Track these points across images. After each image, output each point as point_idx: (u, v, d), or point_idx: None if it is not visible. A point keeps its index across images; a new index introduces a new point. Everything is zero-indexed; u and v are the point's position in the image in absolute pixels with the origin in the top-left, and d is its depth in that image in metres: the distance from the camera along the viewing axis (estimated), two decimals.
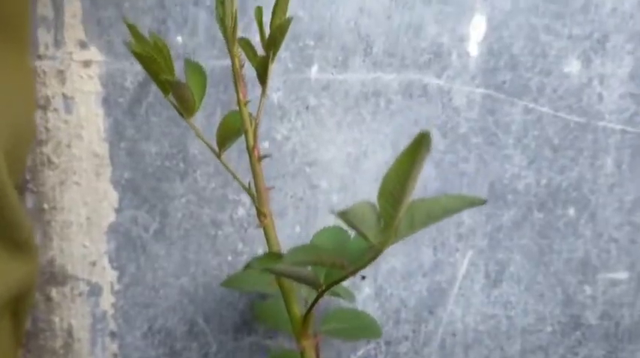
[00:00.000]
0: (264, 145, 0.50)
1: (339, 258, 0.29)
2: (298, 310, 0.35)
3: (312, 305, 0.34)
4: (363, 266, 0.30)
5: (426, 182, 0.50)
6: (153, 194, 0.51)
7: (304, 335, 0.35)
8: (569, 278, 0.51)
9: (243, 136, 0.37)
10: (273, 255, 0.33)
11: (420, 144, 0.26)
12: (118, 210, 0.52)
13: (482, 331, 0.51)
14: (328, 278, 0.33)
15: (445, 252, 0.50)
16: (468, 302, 0.51)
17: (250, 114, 0.36)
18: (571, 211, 0.50)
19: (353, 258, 0.30)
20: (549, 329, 0.51)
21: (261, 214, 0.35)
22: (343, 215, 0.26)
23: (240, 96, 0.35)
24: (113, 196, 0.51)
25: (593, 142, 0.49)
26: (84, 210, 0.52)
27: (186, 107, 0.34)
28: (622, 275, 0.51)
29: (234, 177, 0.37)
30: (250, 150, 0.35)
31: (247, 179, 0.38)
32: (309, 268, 0.33)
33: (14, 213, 0.39)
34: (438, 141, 0.50)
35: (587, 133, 0.49)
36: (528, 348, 0.51)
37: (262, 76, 0.36)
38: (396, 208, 0.28)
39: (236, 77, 0.35)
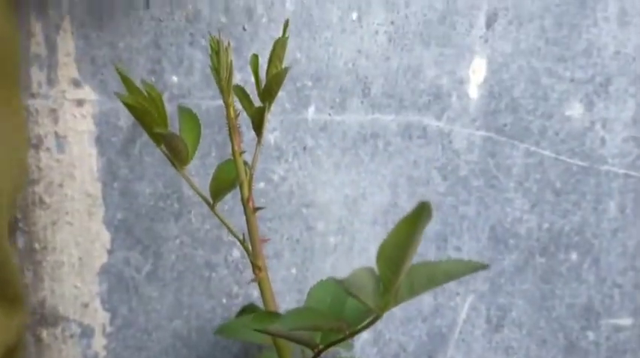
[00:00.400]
0: (260, 186, 0.50)
1: (336, 323, 0.29)
2: None
3: None
4: (362, 330, 0.30)
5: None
6: (146, 235, 0.51)
7: None
8: (572, 324, 0.50)
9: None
10: (269, 315, 0.33)
11: (421, 214, 0.26)
12: (111, 251, 0.51)
13: None
14: (325, 339, 0.33)
15: (445, 296, 0.50)
16: (468, 347, 0.51)
17: (246, 164, 0.36)
18: (574, 256, 0.50)
19: (351, 322, 0.30)
20: None
21: (256, 267, 0.35)
22: (342, 284, 0.25)
23: (235, 147, 0.35)
24: (106, 237, 0.51)
25: (595, 186, 0.49)
26: (76, 250, 0.51)
27: (179, 158, 0.35)
28: (626, 321, 0.51)
29: (229, 229, 0.37)
30: (245, 202, 0.35)
31: (242, 223, 0.38)
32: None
33: (7, 268, 0.39)
34: (438, 184, 0.50)
35: (589, 177, 0.49)
36: None
37: (258, 126, 0.36)
38: (395, 273, 0.28)
39: (231, 127, 0.35)
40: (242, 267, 0.51)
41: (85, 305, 0.52)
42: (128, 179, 0.50)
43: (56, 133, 0.50)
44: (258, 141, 0.36)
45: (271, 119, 0.49)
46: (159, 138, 0.34)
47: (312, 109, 0.48)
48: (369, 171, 0.49)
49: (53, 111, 0.49)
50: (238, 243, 0.52)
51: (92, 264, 0.51)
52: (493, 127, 0.48)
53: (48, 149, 0.50)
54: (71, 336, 0.52)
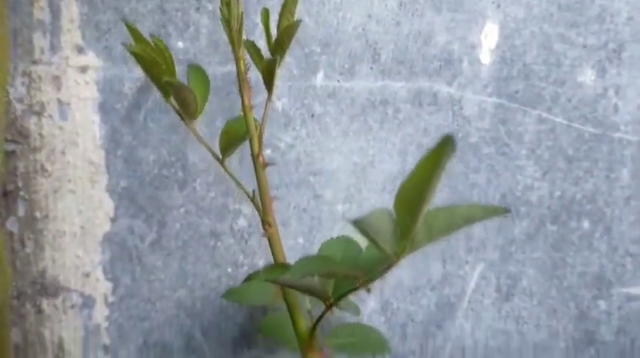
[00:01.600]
0: (267, 153, 0.52)
1: (352, 269, 0.31)
2: (304, 324, 0.37)
3: (320, 318, 0.36)
4: (377, 277, 0.33)
5: (436, 193, 0.52)
6: (150, 203, 0.53)
7: (311, 350, 0.37)
8: (584, 293, 0.53)
9: (246, 143, 0.39)
10: (280, 266, 0.36)
11: (444, 149, 0.27)
12: (114, 220, 0.54)
13: (493, 347, 0.54)
14: (337, 291, 0.36)
15: (455, 264, 0.53)
16: (478, 316, 0.53)
17: (255, 120, 0.38)
18: (585, 224, 0.52)
19: (366, 269, 0.32)
20: (562, 345, 0.54)
21: (265, 223, 0.38)
22: (358, 224, 0.28)
23: (246, 100, 0.37)
24: (109, 205, 0.54)
25: (608, 154, 0.52)
26: (78, 219, 0.54)
27: (188, 111, 0.37)
28: (638, 290, 0.53)
29: (238, 184, 0.39)
30: (255, 157, 0.38)
31: (249, 188, 0.40)
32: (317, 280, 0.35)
33: None
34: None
35: (602, 144, 0.52)
36: None
37: (268, 81, 0.38)
38: (413, 217, 0.30)
39: (241, 81, 0.37)
40: (247, 235, 0.53)
41: (87, 275, 0.54)
42: (132, 146, 0.52)
43: (59, 100, 0.52)
44: (269, 97, 0.39)
45: (279, 85, 0.51)
46: (167, 90, 0.37)
47: (320, 76, 0.51)
48: (378, 139, 0.52)
49: (56, 77, 0.52)
50: (244, 211, 0.54)
51: (94, 233, 0.54)
52: (504, 94, 0.50)
53: (50, 116, 0.52)
54: (72, 307, 0.55)
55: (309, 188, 0.54)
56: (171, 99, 0.38)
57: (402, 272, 0.54)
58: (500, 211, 0.32)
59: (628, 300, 0.55)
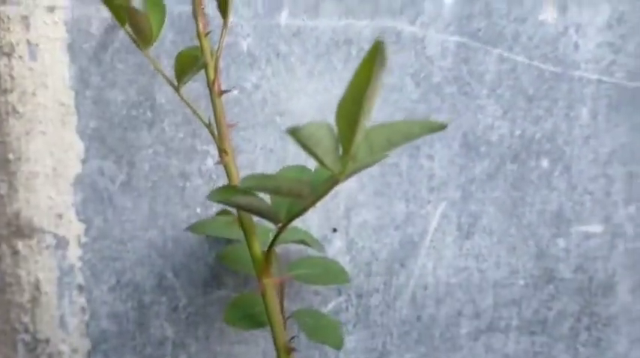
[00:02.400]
0: (233, 94, 0.53)
1: (297, 186, 0.32)
2: (259, 248, 0.38)
3: (274, 241, 0.37)
4: (323, 194, 0.33)
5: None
6: (119, 144, 0.54)
7: (265, 274, 0.38)
8: (543, 231, 0.54)
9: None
10: (231, 188, 0.36)
11: (376, 56, 0.28)
12: (85, 161, 0.55)
13: (454, 284, 0.55)
14: (289, 215, 0.36)
15: (417, 204, 0.54)
16: (439, 254, 0.54)
17: (211, 48, 0.38)
18: (545, 163, 0.53)
19: (311, 186, 0.32)
20: (522, 282, 0.55)
21: (222, 151, 0.38)
22: (295, 132, 0.28)
23: (200, 27, 0.37)
24: (79, 146, 0.54)
25: (568, 92, 0.52)
26: (50, 160, 0.54)
27: (142, 37, 0.37)
28: (596, 228, 0.54)
29: (194, 112, 0.40)
30: (210, 85, 0.38)
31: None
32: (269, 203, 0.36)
33: None
34: (411, 91, 0.53)
35: (562, 83, 0.52)
36: (501, 302, 0.55)
37: (223, 7, 0.38)
38: (353, 130, 0.30)
39: (195, 6, 0.37)
40: (216, 176, 0.54)
41: (60, 216, 0.55)
42: (100, 87, 0.53)
43: (28, 41, 0.52)
44: (225, 24, 0.39)
45: (244, 24, 0.51)
46: (121, 15, 0.37)
47: (285, 14, 0.51)
48: (342, 79, 0.52)
49: (25, 18, 0.52)
50: (212, 152, 0.55)
51: (66, 174, 0.55)
52: (467, 32, 0.51)
53: (20, 57, 0.52)
54: (46, 248, 0.56)
55: (276, 128, 0.54)
56: (127, 26, 0.39)
57: (367, 213, 0.55)
58: (437, 127, 0.33)
59: (586, 238, 0.56)
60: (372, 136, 0.33)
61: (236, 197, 0.35)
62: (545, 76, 0.53)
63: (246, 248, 0.42)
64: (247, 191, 0.36)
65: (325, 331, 0.44)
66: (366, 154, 0.33)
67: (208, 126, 0.40)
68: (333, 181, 0.34)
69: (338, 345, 0.42)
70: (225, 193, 0.36)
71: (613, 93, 0.54)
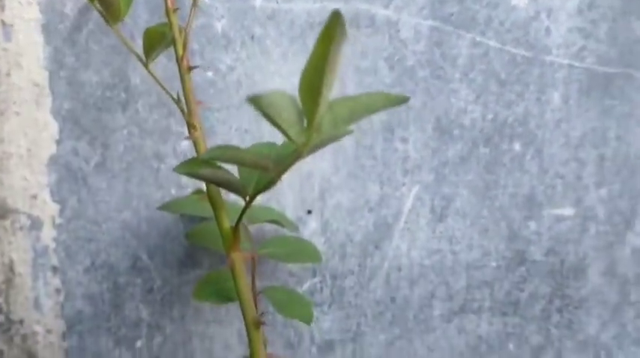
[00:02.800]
0: (208, 76, 0.53)
1: (261, 158, 0.32)
2: (228, 223, 0.38)
3: (242, 214, 0.37)
4: (286, 167, 0.33)
5: (373, 116, 0.53)
6: (94, 125, 0.54)
7: (234, 248, 0.38)
8: (515, 214, 0.54)
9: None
10: (199, 160, 0.36)
11: (333, 26, 0.28)
12: (59, 142, 0.54)
13: (428, 266, 0.55)
14: (256, 188, 0.37)
15: (391, 186, 0.54)
16: (413, 236, 0.55)
17: (179, 25, 0.38)
18: (517, 146, 0.54)
19: (276, 160, 0.33)
20: (494, 264, 0.55)
21: (191, 127, 0.38)
22: (256, 100, 0.28)
23: (169, 2, 0.37)
24: (54, 127, 0.54)
25: (540, 77, 0.53)
26: (24, 141, 0.54)
27: (110, 12, 0.37)
28: (568, 211, 0.55)
29: (163, 88, 0.40)
30: (179, 61, 0.38)
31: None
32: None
33: None
34: (385, 75, 0.53)
35: (534, 68, 0.53)
36: (474, 284, 0.55)
37: None
38: (316, 101, 0.31)
39: None
40: (191, 157, 0.54)
41: (34, 197, 0.55)
42: (74, 68, 0.53)
43: (3, 21, 0.52)
44: (194, 0, 0.39)
45: (218, 6, 0.51)
46: None
47: None
48: None
49: None
50: (186, 133, 0.55)
51: (41, 155, 0.54)
52: (440, 16, 0.51)
53: None
54: (21, 229, 0.55)
55: (250, 110, 0.54)
56: (96, 2, 0.39)
57: (341, 195, 0.55)
58: (400, 100, 0.33)
59: (558, 221, 0.56)
60: (336, 109, 0.33)
61: (203, 169, 0.35)
62: (517, 60, 0.54)
63: (216, 225, 0.42)
64: (214, 164, 0.36)
65: (295, 306, 0.44)
66: (330, 127, 0.33)
67: (177, 101, 0.40)
68: (297, 154, 0.34)
69: (308, 320, 0.42)
70: (192, 165, 0.36)
71: (584, 78, 0.54)
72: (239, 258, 0.39)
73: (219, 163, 0.37)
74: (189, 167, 0.36)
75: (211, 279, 0.45)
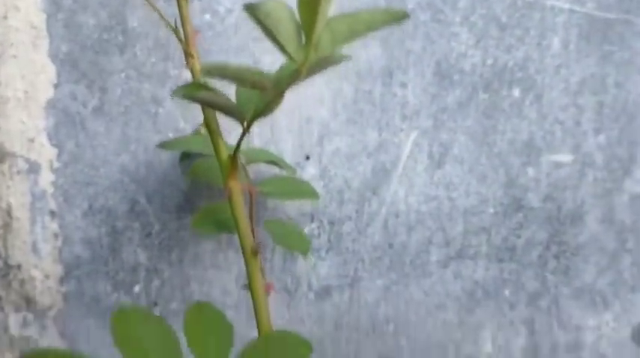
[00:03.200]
0: (206, 18, 0.52)
1: (259, 76, 0.32)
2: (226, 151, 0.38)
3: (240, 140, 0.37)
4: (285, 87, 0.33)
5: (372, 60, 0.53)
6: (91, 68, 0.53)
7: (231, 177, 0.38)
8: (513, 160, 0.54)
9: None
10: (196, 84, 0.36)
11: None
12: (57, 85, 0.54)
13: (425, 212, 0.55)
14: (255, 113, 0.36)
15: (390, 132, 0.54)
16: (411, 182, 0.54)
17: None
18: (516, 92, 0.53)
19: (274, 80, 0.32)
20: (491, 210, 0.55)
21: (188, 55, 0.38)
22: (253, 9, 0.28)
23: None
24: (51, 70, 0.54)
25: (540, 21, 0.52)
26: (21, 84, 0.54)
27: None
28: (566, 157, 0.55)
29: (160, 15, 0.39)
30: None
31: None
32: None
33: None
34: None
35: (534, 12, 0.52)
36: (471, 229, 0.55)
37: None
38: (314, 16, 0.30)
39: None
40: (189, 101, 0.53)
41: (32, 141, 0.54)
42: (72, 10, 0.52)
43: None
44: None
45: None
46: None
47: None
48: None
49: None
50: (185, 76, 0.54)
51: (38, 98, 0.54)
52: None
53: None
54: (18, 173, 0.55)
55: (249, 54, 0.54)
56: None
57: (340, 140, 0.55)
58: (400, 15, 0.33)
59: (556, 167, 0.56)
60: (335, 25, 0.33)
61: (200, 92, 0.35)
62: (517, 4, 0.53)
63: (215, 160, 0.42)
64: (212, 88, 0.35)
65: (292, 238, 0.44)
66: (329, 44, 0.33)
67: (175, 29, 0.40)
68: (296, 73, 0.33)
69: (304, 250, 0.42)
70: (190, 88, 0.36)
71: (584, 23, 0.54)
72: (237, 187, 0.39)
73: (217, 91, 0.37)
74: (187, 90, 0.35)
75: (210, 211, 0.45)
